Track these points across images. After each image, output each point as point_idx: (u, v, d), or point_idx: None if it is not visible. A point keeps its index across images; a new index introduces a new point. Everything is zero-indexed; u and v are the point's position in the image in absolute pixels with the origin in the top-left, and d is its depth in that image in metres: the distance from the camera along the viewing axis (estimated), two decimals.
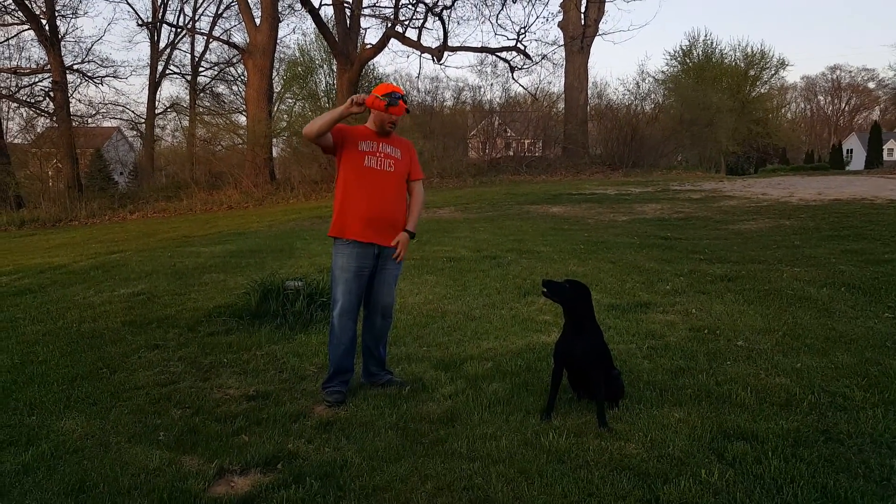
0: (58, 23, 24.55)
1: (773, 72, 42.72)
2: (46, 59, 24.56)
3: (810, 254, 7.08)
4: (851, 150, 57.31)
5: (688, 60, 41.53)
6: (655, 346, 4.26)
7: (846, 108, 73.07)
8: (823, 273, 6.06)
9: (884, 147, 48.14)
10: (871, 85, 67.48)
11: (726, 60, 41.52)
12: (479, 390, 3.60)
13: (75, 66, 27.75)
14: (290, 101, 31.94)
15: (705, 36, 46.98)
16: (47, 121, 27.54)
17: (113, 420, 3.38)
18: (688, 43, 43.34)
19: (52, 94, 25.15)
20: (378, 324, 3.75)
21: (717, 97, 30.44)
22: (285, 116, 29.44)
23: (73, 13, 27.94)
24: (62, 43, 25.24)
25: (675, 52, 42.81)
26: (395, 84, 3.90)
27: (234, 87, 35.76)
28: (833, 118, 72.70)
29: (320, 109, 27.35)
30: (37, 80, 26.72)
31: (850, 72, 71.25)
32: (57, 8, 24.41)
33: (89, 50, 31.12)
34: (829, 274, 6.01)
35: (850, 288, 5.50)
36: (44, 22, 23.58)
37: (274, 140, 24.56)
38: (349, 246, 3.56)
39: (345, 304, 3.59)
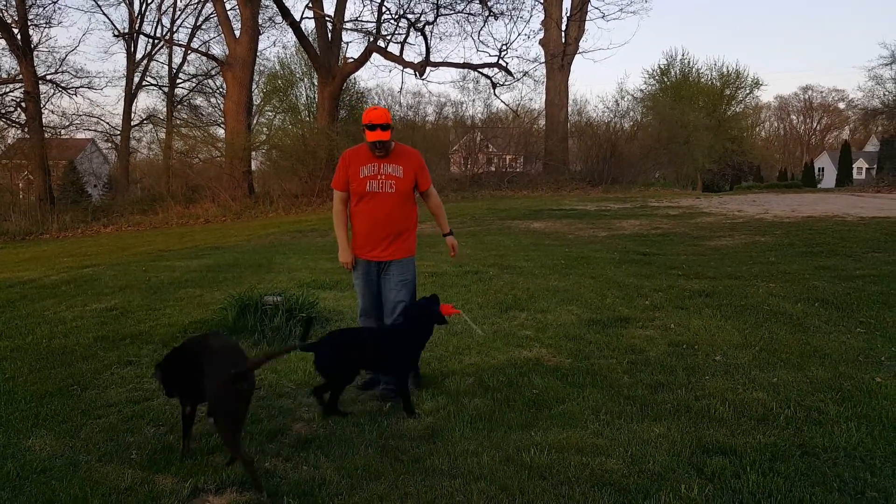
0: (30, 32, 24.16)
1: (747, 91, 43.51)
2: (18, 68, 24.15)
3: (785, 270, 7.20)
4: (823, 168, 58.67)
5: (665, 79, 42.19)
6: (635, 360, 4.28)
7: (818, 128, 74.92)
8: (798, 289, 6.16)
9: (853, 166, 49.33)
10: (842, 105, 69.33)
11: (703, 80, 42.27)
12: (461, 406, 3.58)
13: (48, 77, 27.28)
14: (270, 113, 31.87)
15: (682, 55, 47.86)
16: (18, 132, 27.03)
17: (83, 438, 3.30)
18: (665, 62, 44.07)
19: (23, 104, 24.71)
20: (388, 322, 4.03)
21: (694, 115, 30.95)
22: (265, 129, 29.36)
23: (46, 23, 27.26)
24: (35, 53, 24.79)
25: (654, 70, 43.48)
26: (381, 107, 4.05)
27: (213, 100, 35.50)
28: (805, 137, 74.45)
29: (300, 122, 27.30)
30: (8, 90, 26.21)
31: (822, 92, 73.37)
32: (30, 17, 24.00)
33: (63, 60, 30.58)
34: (803, 289, 6.11)
35: (823, 303, 5.59)
36: (16, 31, 23.17)
37: (253, 153, 24.41)
38: (358, 262, 3.99)
39: (362, 306, 4.08)
